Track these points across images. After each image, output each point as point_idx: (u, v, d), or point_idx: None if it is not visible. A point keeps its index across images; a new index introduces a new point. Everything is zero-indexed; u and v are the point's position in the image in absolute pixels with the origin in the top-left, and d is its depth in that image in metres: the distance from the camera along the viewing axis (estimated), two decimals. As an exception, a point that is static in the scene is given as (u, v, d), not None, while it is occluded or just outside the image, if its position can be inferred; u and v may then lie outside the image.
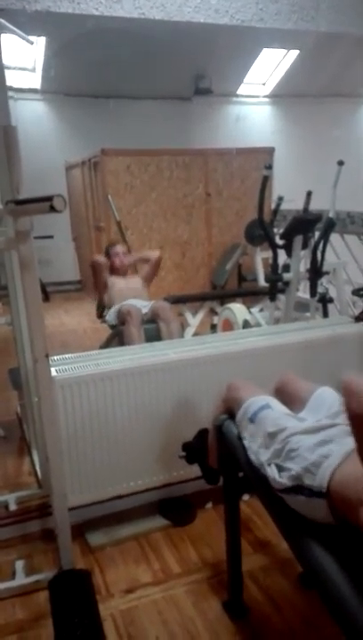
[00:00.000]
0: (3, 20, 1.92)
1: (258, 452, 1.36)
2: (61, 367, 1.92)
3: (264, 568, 1.80)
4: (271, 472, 1.27)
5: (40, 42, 5.43)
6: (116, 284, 3.72)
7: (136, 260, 4.02)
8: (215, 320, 4.31)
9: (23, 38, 2.42)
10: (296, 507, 1.23)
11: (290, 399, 1.57)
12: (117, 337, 3.32)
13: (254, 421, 1.43)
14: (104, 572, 1.83)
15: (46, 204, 1.22)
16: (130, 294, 3.62)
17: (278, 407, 1.46)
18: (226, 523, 1.63)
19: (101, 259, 3.82)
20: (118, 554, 1.91)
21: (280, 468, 1.25)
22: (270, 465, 1.29)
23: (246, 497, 2.10)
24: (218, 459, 1.66)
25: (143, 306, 3.47)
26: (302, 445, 1.24)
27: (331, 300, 3.79)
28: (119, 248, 3.88)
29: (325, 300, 3.69)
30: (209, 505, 2.14)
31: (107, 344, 3.43)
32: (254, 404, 1.47)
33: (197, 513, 2.10)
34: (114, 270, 3.78)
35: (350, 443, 1.12)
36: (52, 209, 1.21)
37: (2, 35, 2.04)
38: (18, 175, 1.35)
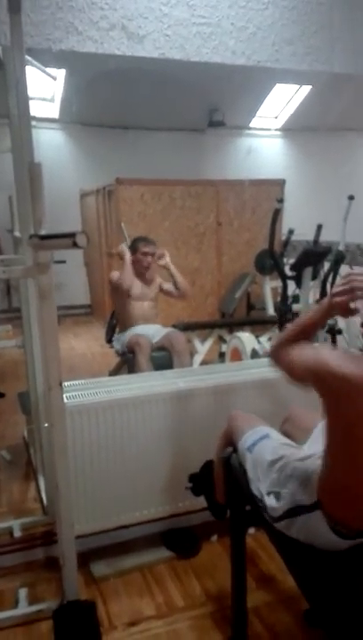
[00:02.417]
0: (29, 58, 2.00)
1: (258, 482, 1.37)
2: (71, 394, 1.94)
3: (269, 604, 1.78)
4: (269, 501, 1.29)
5: (60, 74, 5.60)
6: (134, 288, 3.38)
7: (164, 288, 3.57)
8: (223, 348, 4.32)
9: (47, 74, 2.52)
10: (298, 533, 1.23)
11: (296, 430, 1.59)
12: (126, 364, 3.33)
13: (251, 451, 1.45)
14: (107, 603, 1.81)
15: (69, 239, 1.26)
16: (146, 312, 3.46)
17: (276, 437, 1.50)
18: (232, 557, 1.62)
19: (117, 275, 3.41)
20: (122, 585, 1.90)
21: (277, 496, 1.27)
22: (269, 495, 1.31)
23: (251, 530, 2.09)
24: (225, 492, 1.66)
25: (154, 335, 3.37)
26: (296, 469, 1.29)
27: (340, 332, 3.81)
28: (154, 247, 3.42)
29: (334, 332, 3.70)
30: (214, 537, 2.12)
31: (116, 371, 3.45)
32: (253, 435, 1.50)
33: (203, 545, 2.09)
34: (137, 270, 3.42)
35: None
36: (75, 245, 1.26)
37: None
38: (41, 210, 1.40)
